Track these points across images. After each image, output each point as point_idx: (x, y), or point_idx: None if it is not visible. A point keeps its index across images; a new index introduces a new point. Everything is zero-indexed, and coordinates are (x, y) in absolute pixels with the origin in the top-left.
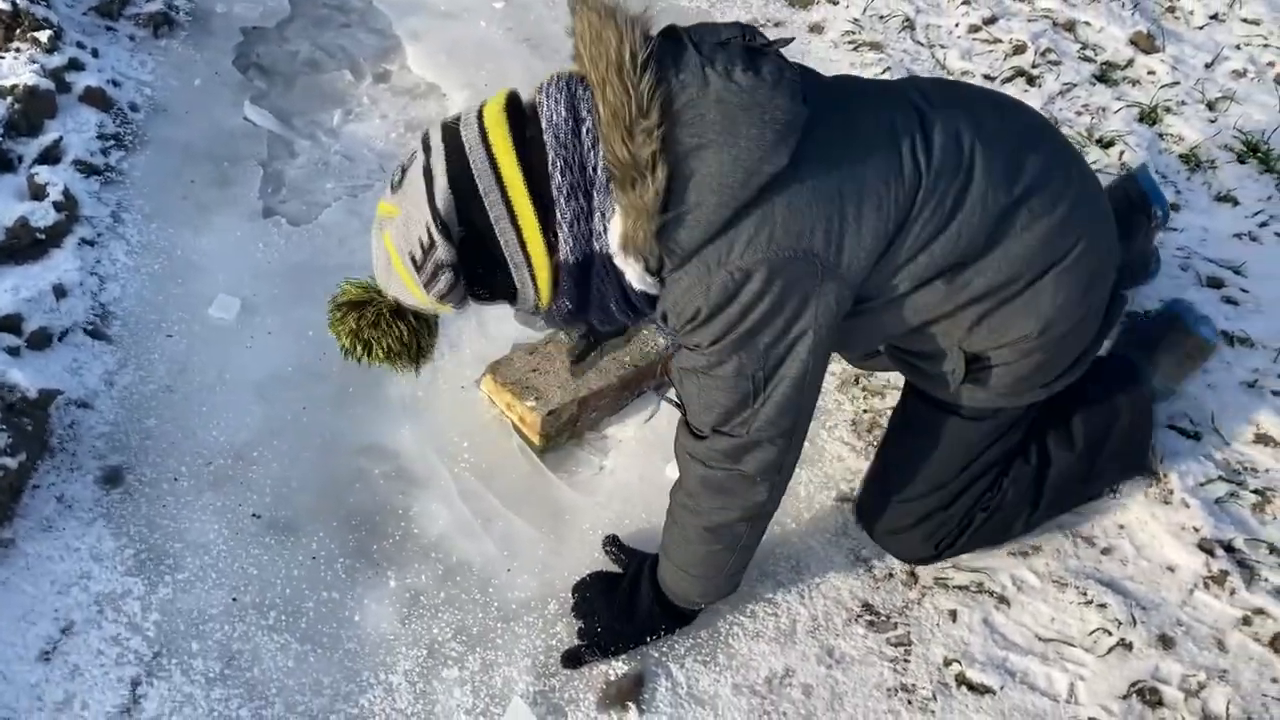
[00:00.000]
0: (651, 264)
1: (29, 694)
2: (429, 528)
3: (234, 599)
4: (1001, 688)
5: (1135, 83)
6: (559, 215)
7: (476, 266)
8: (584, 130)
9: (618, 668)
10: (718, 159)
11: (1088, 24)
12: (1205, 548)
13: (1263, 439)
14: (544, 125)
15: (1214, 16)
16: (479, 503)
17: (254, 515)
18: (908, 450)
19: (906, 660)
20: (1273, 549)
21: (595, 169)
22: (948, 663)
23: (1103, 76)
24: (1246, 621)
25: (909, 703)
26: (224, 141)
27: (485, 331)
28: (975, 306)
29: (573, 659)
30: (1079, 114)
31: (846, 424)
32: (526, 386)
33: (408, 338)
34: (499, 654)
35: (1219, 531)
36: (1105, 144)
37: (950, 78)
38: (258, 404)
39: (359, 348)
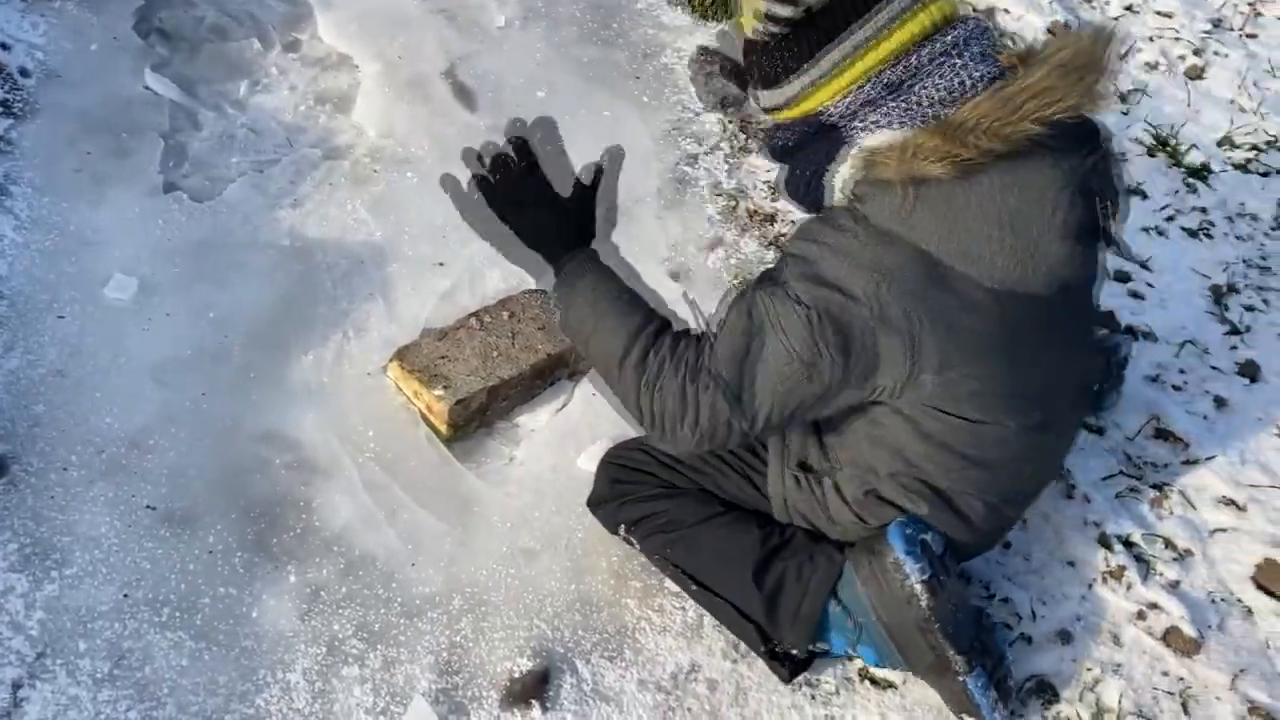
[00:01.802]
0: (856, 189)
1: None
2: (331, 520)
3: (125, 595)
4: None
5: None
6: (863, 84)
7: (807, 31)
8: (951, 63)
9: (522, 665)
10: (967, 211)
11: (1006, 11)
12: (1104, 542)
13: (1163, 434)
14: (945, 34)
15: (1128, 8)
16: (383, 494)
17: (148, 507)
18: None
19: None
20: (1168, 543)
21: (922, 93)
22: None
23: None
24: (1141, 616)
25: (813, 698)
26: (122, 111)
27: (393, 314)
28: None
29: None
30: None
31: None
32: (435, 374)
33: None
34: (401, 651)
35: (1118, 526)
36: None
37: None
38: (154, 389)
39: None
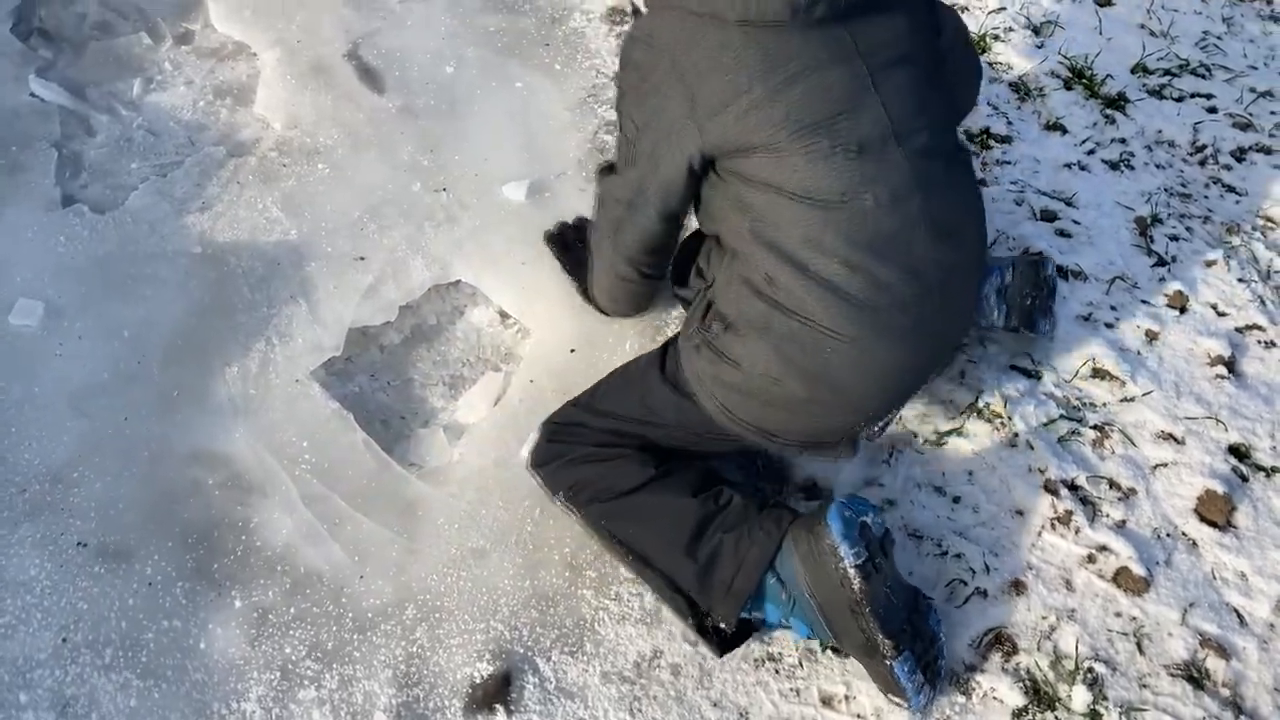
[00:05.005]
0: None
1: None
2: (272, 539)
3: (64, 639)
4: None
5: (964, 9)
6: None
7: None
8: None
9: (482, 669)
10: None
11: None
12: (1050, 489)
13: (1099, 374)
14: None
15: None
16: (324, 506)
17: (79, 544)
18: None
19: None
20: (1112, 483)
21: None
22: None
23: None
24: (1091, 559)
25: (776, 672)
26: (8, 122)
27: (316, 315)
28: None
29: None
30: None
31: None
32: None
33: None
34: (357, 668)
35: (1062, 471)
36: None
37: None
38: (73, 418)
39: None
